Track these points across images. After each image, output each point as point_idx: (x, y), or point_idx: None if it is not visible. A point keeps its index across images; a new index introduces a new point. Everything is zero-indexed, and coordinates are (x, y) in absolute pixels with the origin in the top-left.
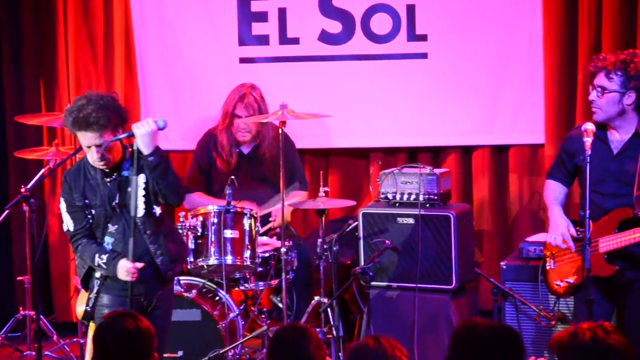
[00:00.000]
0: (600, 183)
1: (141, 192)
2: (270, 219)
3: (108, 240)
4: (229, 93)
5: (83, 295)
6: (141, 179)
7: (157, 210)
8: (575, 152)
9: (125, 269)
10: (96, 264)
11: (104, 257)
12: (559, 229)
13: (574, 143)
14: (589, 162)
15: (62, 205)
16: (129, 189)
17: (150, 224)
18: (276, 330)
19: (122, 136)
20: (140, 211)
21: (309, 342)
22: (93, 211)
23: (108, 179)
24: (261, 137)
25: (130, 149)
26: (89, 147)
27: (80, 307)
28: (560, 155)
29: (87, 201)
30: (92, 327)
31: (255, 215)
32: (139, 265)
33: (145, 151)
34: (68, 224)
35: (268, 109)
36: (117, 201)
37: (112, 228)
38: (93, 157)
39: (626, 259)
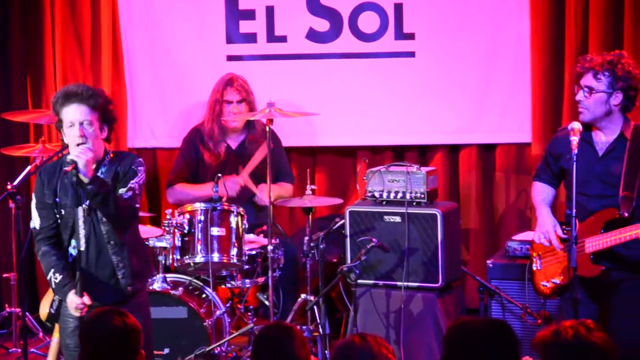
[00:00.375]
0: (586, 184)
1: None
2: (256, 197)
3: (74, 244)
4: (214, 85)
5: (49, 295)
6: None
7: None
8: (561, 154)
9: (74, 304)
10: (48, 278)
11: (58, 277)
12: (544, 227)
13: (559, 145)
14: (575, 162)
15: (33, 202)
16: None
17: (114, 236)
18: (261, 329)
19: (65, 168)
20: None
21: (294, 341)
22: (63, 211)
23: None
24: (250, 127)
25: (111, 155)
26: (71, 125)
27: (44, 309)
28: (546, 157)
29: (57, 199)
30: (57, 328)
31: (242, 213)
32: (87, 301)
33: (84, 180)
34: (35, 221)
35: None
36: (87, 203)
37: (81, 233)
38: (74, 135)
39: (612, 259)
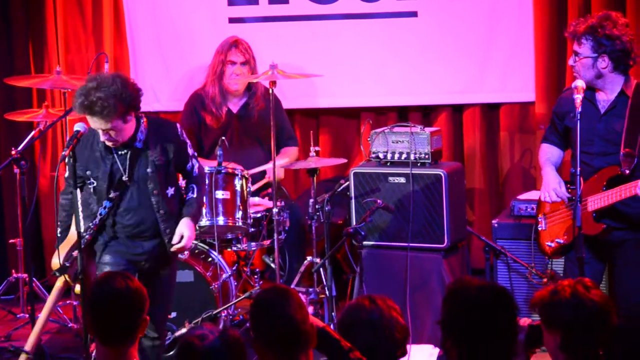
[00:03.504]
0: (589, 143)
1: (153, 175)
2: (266, 176)
3: (106, 205)
4: (217, 46)
5: (65, 246)
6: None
7: (170, 191)
8: (565, 113)
9: (52, 262)
10: (59, 218)
11: (60, 224)
12: (550, 186)
13: (563, 104)
14: (579, 120)
15: (66, 173)
16: (143, 162)
17: (164, 204)
18: (257, 292)
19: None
20: (81, 226)
21: (290, 304)
22: (95, 183)
23: (118, 153)
24: (251, 90)
25: (145, 121)
26: (98, 129)
27: (55, 259)
28: (552, 119)
29: (88, 172)
30: (61, 279)
31: (246, 176)
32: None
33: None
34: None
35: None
36: (126, 176)
37: (112, 194)
38: (104, 140)
39: (614, 217)
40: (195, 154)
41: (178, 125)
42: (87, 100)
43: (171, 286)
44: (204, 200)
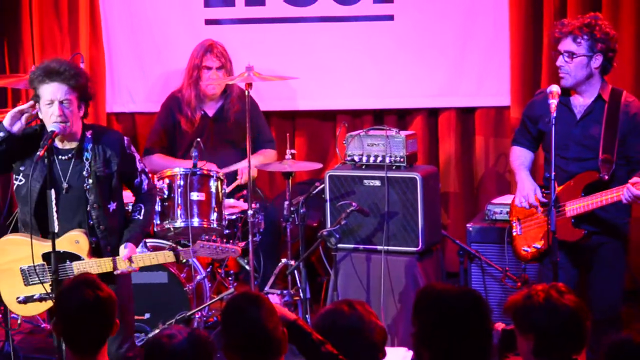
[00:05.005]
0: (564, 148)
1: (93, 188)
2: (237, 177)
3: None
4: (193, 50)
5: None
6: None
7: (112, 205)
8: (539, 117)
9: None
10: None
11: None
12: (524, 191)
13: (537, 108)
14: (554, 125)
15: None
16: (84, 173)
17: (105, 220)
18: (228, 299)
19: (39, 152)
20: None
21: (260, 311)
22: (22, 180)
23: (61, 157)
24: (227, 93)
25: (91, 131)
26: (50, 103)
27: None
28: (524, 121)
29: (22, 167)
30: None
31: (221, 178)
32: None
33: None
34: None
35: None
36: (65, 183)
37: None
38: (53, 114)
39: (593, 222)
40: (146, 169)
41: (126, 138)
42: (52, 64)
43: (124, 300)
44: (154, 218)
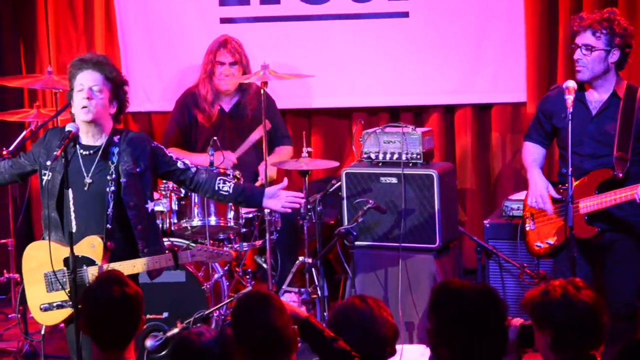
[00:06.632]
0: (579, 144)
1: (127, 187)
2: (259, 178)
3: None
4: (209, 46)
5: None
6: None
7: (150, 205)
8: (554, 112)
9: None
10: None
11: None
12: (537, 191)
13: (552, 104)
14: (570, 120)
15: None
16: (108, 177)
17: (142, 220)
18: (238, 299)
19: (55, 152)
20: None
21: (270, 310)
22: (49, 175)
23: (84, 152)
24: (243, 89)
25: (118, 136)
26: (81, 90)
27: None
28: (538, 116)
29: (48, 162)
30: None
31: (238, 177)
32: None
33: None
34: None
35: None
36: (88, 179)
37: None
38: (81, 99)
39: (606, 220)
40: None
41: (146, 136)
42: (91, 55)
43: None
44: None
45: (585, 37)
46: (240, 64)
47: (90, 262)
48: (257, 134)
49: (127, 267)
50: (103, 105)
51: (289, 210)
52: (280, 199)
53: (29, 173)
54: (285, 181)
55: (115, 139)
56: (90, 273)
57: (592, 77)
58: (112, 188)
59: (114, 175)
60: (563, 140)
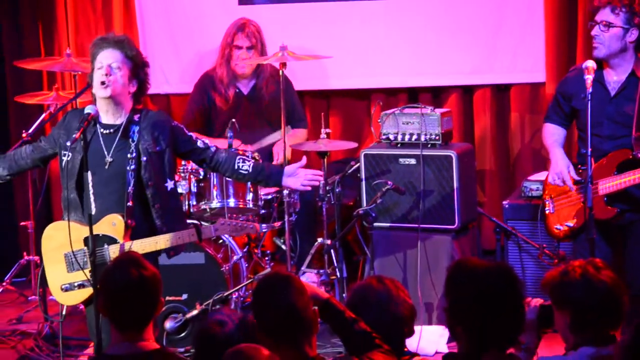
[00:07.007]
0: (598, 125)
1: (147, 165)
2: (274, 158)
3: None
4: (227, 28)
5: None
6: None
7: (170, 184)
8: (573, 94)
9: None
10: None
11: None
12: (558, 168)
13: (571, 85)
14: (590, 100)
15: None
16: (128, 155)
17: (160, 198)
18: (258, 280)
19: (74, 135)
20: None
21: (290, 291)
22: (70, 155)
23: (104, 131)
24: (259, 72)
25: (138, 115)
26: (100, 67)
27: None
28: (557, 98)
29: (68, 142)
30: None
31: (256, 158)
32: None
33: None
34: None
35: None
36: (109, 158)
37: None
38: (100, 76)
39: (626, 200)
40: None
41: (166, 115)
42: (111, 35)
43: None
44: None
45: (605, 14)
46: (256, 49)
47: (112, 241)
48: (276, 137)
49: (150, 243)
50: (122, 83)
51: (309, 188)
52: (299, 177)
53: (50, 156)
54: (304, 159)
55: (136, 117)
56: (112, 251)
57: (609, 55)
58: (133, 166)
59: (134, 154)
60: (582, 122)
